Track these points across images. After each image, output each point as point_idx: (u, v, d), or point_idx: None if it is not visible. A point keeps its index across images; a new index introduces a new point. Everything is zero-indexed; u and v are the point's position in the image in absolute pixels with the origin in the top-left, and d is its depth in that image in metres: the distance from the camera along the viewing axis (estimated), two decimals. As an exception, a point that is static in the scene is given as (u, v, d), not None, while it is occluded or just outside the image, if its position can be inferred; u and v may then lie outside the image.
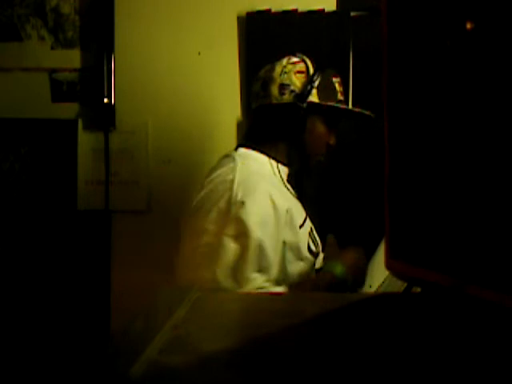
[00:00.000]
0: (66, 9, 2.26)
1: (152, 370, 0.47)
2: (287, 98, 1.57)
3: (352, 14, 2.15)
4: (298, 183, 1.65)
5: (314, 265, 1.58)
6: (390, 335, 0.58)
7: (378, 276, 1.54)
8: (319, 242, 1.62)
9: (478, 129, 0.56)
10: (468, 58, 0.57)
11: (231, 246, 1.42)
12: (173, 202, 2.18)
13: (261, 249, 1.42)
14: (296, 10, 2.17)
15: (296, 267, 1.51)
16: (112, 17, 2.23)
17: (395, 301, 0.75)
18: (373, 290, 1.56)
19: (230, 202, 1.44)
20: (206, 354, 0.51)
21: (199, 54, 2.22)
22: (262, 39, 2.17)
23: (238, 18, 2.20)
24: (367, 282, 1.61)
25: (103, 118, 2.22)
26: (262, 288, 1.40)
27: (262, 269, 1.42)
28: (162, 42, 2.23)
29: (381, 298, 0.84)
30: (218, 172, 1.54)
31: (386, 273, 0.73)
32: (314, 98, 1.57)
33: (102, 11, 2.23)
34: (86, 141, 2.24)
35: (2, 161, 2.28)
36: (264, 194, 1.47)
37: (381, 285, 1.53)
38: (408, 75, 0.67)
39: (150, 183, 2.23)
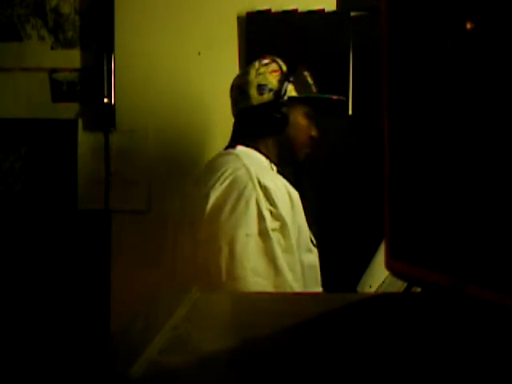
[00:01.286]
0: (66, 9, 2.26)
1: (152, 370, 0.47)
2: (267, 96, 1.62)
3: (352, 13, 2.15)
4: (297, 183, 1.66)
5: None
6: (390, 335, 0.58)
7: (378, 276, 1.54)
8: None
9: (478, 129, 0.56)
10: (468, 58, 0.57)
11: (274, 240, 1.42)
12: (173, 202, 2.19)
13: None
14: (296, 10, 2.17)
15: (307, 257, 1.53)
16: (112, 17, 2.23)
17: (395, 301, 0.75)
18: (373, 290, 1.56)
19: (256, 192, 1.44)
20: (206, 354, 0.51)
21: (199, 54, 2.22)
22: (261, 39, 2.17)
23: (238, 18, 2.20)
24: (367, 282, 1.61)
25: (103, 118, 2.22)
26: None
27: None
28: (161, 42, 2.22)
29: (381, 298, 0.84)
30: (228, 169, 1.53)
31: (386, 273, 0.73)
32: (292, 92, 1.63)
33: (101, 11, 2.23)
34: (86, 141, 2.24)
35: (2, 161, 2.28)
36: (279, 181, 1.52)
37: (381, 285, 1.53)
38: (408, 75, 0.67)
39: (150, 183, 2.23)
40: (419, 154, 0.65)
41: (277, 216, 1.44)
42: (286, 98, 1.61)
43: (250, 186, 1.46)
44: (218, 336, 0.58)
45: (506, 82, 0.53)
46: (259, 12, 2.18)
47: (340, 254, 2.08)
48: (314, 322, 0.63)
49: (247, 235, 1.42)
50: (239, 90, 1.68)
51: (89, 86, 2.25)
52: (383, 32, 0.71)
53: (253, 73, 1.65)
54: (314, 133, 1.70)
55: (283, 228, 1.44)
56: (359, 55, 2.13)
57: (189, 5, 2.22)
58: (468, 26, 0.57)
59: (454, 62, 0.59)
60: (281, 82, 1.62)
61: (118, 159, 2.23)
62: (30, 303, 2.22)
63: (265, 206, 1.44)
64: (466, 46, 0.57)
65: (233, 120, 2.31)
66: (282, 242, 1.44)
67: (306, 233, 1.55)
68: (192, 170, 2.18)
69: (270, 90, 1.62)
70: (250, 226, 1.42)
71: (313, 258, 1.55)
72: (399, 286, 1.01)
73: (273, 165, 1.64)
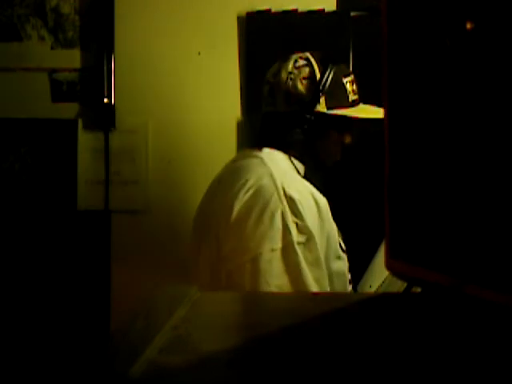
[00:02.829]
0: (66, 9, 2.26)
1: (152, 370, 0.47)
2: (294, 107, 1.51)
3: (352, 13, 2.15)
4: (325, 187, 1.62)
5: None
6: (390, 335, 0.58)
7: (378, 276, 1.55)
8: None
9: (478, 129, 0.56)
10: (468, 58, 0.57)
11: (300, 254, 1.37)
12: (173, 202, 2.19)
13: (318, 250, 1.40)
14: (296, 9, 2.17)
15: (336, 264, 1.47)
16: (112, 17, 2.22)
17: (395, 301, 0.75)
18: (373, 290, 1.56)
19: (281, 203, 1.38)
20: (206, 354, 0.51)
21: (199, 54, 2.22)
22: (261, 39, 2.17)
23: (238, 18, 2.20)
24: (367, 282, 1.61)
25: (103, 118, 2.22)
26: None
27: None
28: (162, 41, 2.22)
29: (381, 298, 0.84)
30: (252, 177, 1.46)
31: (386, 273, 0.73)
32: (321, 106, 1.51)
33: (101, 11, 2.23)
34: (86, 141, 2.24)
35: (2, 161, 2.28)
36: (305, 189, 1.45)
37: (381, 285, 1.53)
38: (408, 75, 0.67)
39: (149, 183, 2.23)
40: (419, 153, 0.65)
41: (303, 229, 1.38)
42: (312, 113, 1.50)
43: (276, 197, 1.39)
44: (218, 336, 0.58)
45: (506, 82, 0.53)
46: (259, 12, 2.18)
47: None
48: (314, 321, 0.63)
49: (272, 250, 1.37)
50: (270, 90, 1.56)
51: (89, 86, 2.25)
52: (383, 32, 0.71)
53: (284, 76, 1.52)
54: (347, 140, 1.60)
55: (310, 241, 1.38)
56: (359, 55, 2.13)
57: (189, 5, 2.22)
58: (468, 25, 0.57)
59: (454, 62, 0.59)
60: (311, 92, 1.50)
61: (117, 159, 2.23)
62: (30, 303, 2.22)
63: (291, 219, 1.37)
64: (465, 46, 0.57)
65: (231, 120, 2.30)
66: (309, 255, 1.38)
67: (336, 239, 1.48)
68: (192, 170, 2.18)
69: (298, 100, 1.50)
70: (275, 241, 1.37)
71: (341, 264, 1.49)
72: (399, 285, 1.01)
73: (300, 165, 1.56)
